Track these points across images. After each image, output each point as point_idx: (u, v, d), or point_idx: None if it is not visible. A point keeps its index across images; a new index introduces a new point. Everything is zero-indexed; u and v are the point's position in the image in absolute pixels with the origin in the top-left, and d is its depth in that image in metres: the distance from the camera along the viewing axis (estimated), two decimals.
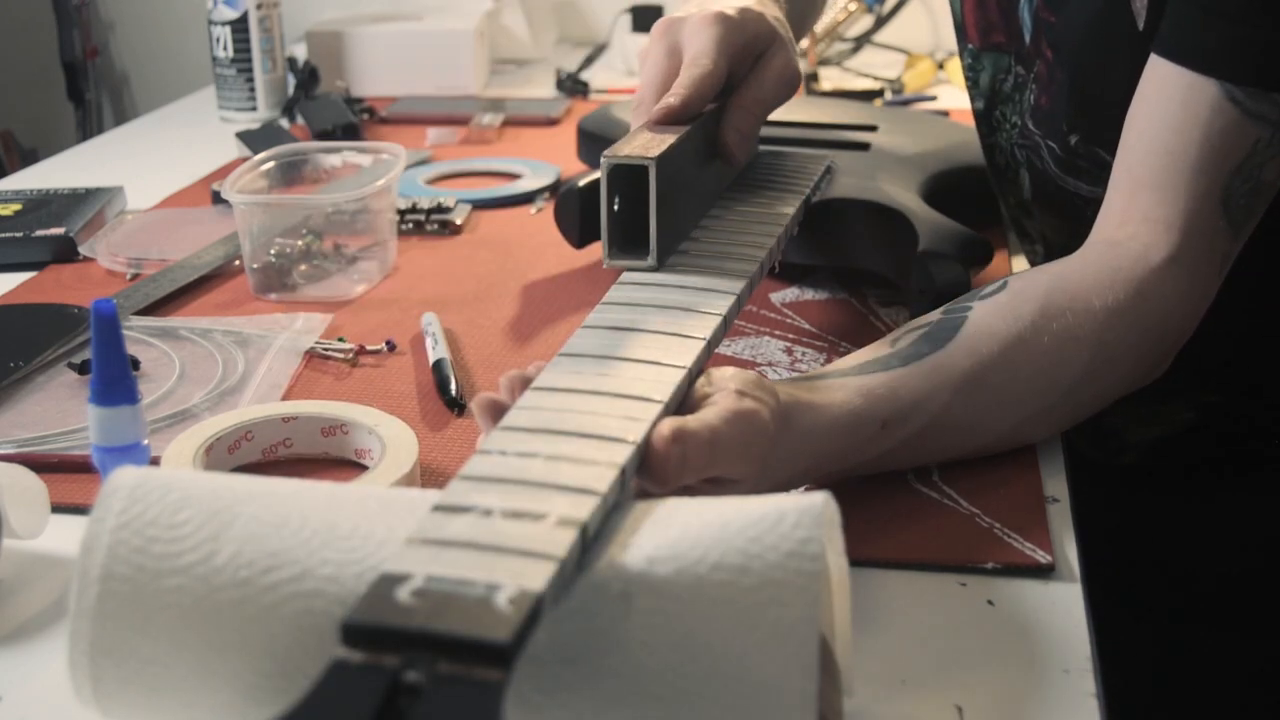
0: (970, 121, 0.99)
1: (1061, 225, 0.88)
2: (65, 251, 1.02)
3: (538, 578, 0.40)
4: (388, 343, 0.84)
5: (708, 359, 0.61)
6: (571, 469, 0.47)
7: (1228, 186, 0.70)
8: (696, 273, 0.68)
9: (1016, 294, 0.69)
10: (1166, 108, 0.70)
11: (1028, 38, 0.85)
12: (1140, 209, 0.71)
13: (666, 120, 0.74)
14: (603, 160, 0.68)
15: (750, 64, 0.80)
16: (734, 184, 0.82)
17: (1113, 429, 0.91)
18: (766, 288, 0.92)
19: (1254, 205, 0.71)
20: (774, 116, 1.10)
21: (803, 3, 1.00)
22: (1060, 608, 0.57)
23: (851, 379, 0.64)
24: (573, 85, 1.57)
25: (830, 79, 1.62)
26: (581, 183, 0.92)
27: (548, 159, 1.25)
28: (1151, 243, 0.70)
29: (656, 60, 0.79)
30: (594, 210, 0.92)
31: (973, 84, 0.93)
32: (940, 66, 1.65)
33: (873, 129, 1.05)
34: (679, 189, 0.71)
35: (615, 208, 0.69)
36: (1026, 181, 0.90)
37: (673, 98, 0.74)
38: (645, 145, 0.69)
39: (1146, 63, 0.72)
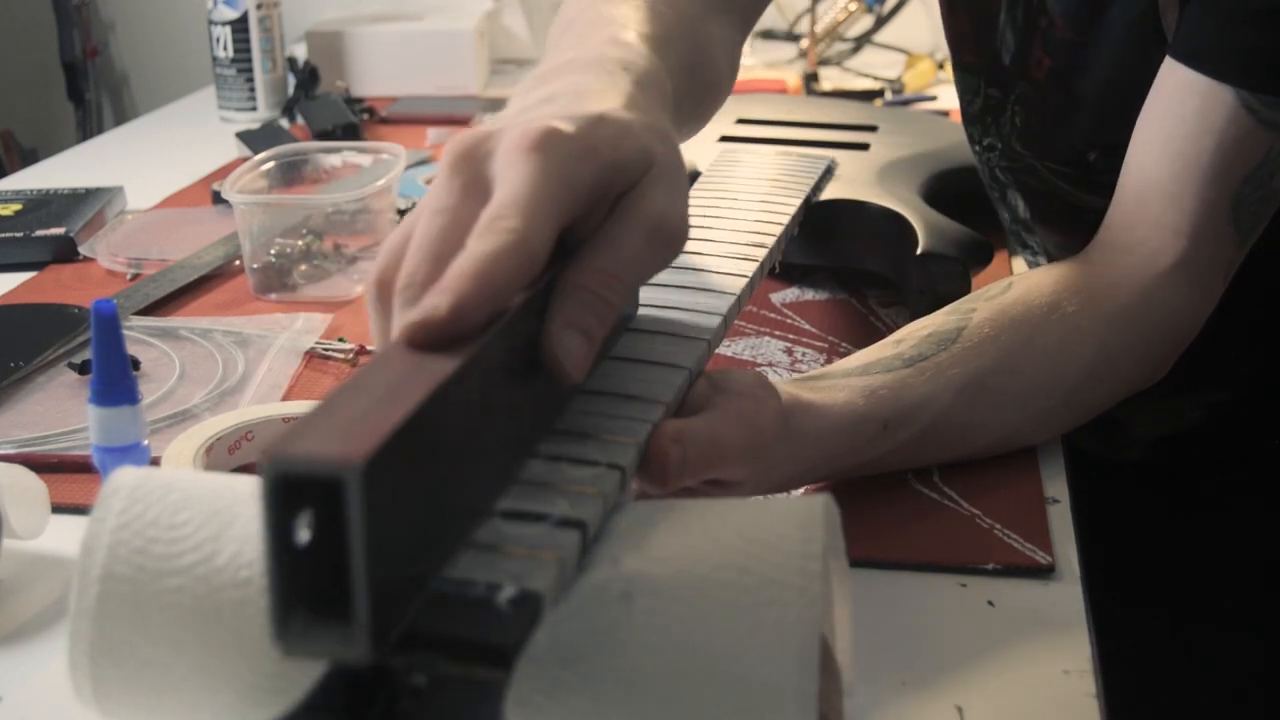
0: None
1: (1067, 242, 0.86)
2: (65, 251, 1.02)
3: (538, 578, 0.40)
4: None
5: (708, 359, 0.61)
6: (572, 469, 0.47)
7: (1238, 194, 0.69)
8: (693, 277, 0.68)
9: (1021, 296, 0.69)
10: (1181, 113, 0.70)
11: (1007, 58, 0.84)
12: (1149, 214, 0.71)
13: (427, 340, 0.41)
14: (265, 463, 0.34)
15: (607, 208, 0.50)
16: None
17: (1119, 424, 0.91)
18: (766, 288, 0.92)
19: (1262, 213, 0.71)
20: (774, 116, 1.11)
21: (697, 81, 0.70)
22: (1060, 608, 0.57)
23: (854, 379, 0.64)
24: None
25: (830, 79, 1.62)
26: None
27: None
28: (1159, 248, 0.70)
29: (444, 206, 0.47)
30: None
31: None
32: (940, 66, 1.65)
33: (873, 129, 1.05)
34: (438, 476, 0.39)
35: (303, 540, 0.35)
36: (1020, 202, 0.89)
37: (440, 299, 0.42)
38: (352, 424, 0.36)
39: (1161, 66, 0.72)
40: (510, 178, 0.46)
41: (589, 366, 0.48)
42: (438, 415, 0.38)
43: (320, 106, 1.40)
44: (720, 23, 0.75)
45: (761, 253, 0.71)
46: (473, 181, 0.48)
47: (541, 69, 0.58)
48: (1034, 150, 0.84)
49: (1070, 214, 0.85)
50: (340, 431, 0.35)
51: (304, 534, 0.35)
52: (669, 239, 0.50)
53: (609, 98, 0.52)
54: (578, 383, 0.48)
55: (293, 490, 0.35)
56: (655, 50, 0.60)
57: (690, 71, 0.67)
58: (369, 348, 0.83)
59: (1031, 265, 0.94)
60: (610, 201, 0.49)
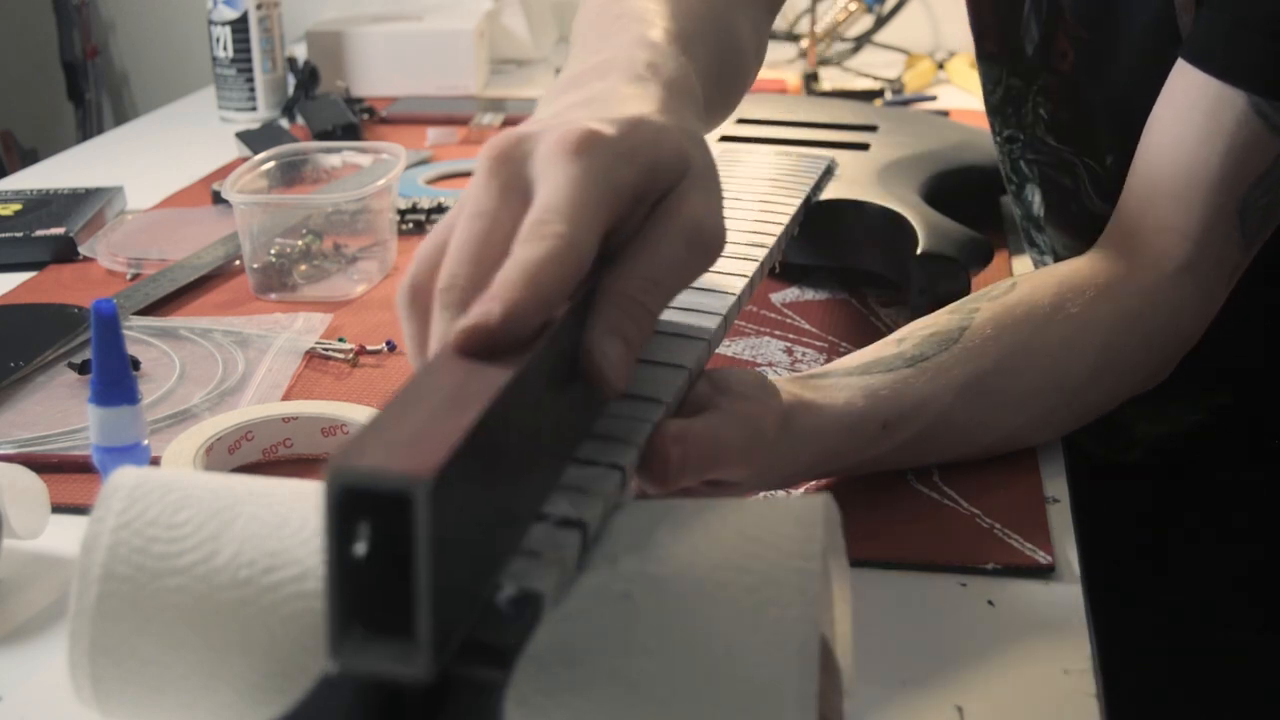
0: (969, 120, 0.98)
1: (1076, 244, 0.86)
2: (65, 251, 1.02)
3: (538, 578, 0.40)
4: (388, 343, 0.84)
5: (708, 359, 0.61)
6: (572, 468, 0.47)
7: (1246, 198, 0.69)
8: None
9: (1024, 296, 0.69)
10: (1191, 116, 0.69)
11: (1030, 49, 0.84)
12: (1155, 216, 0.71)
13: (479, 348, 0.41)
14: (328, 475, 0.33)
15: (645, 212, 0.49)
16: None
17: (1120, 425, 0.90)
18: (766, 288, 0.92)
19: (1270, 217, 0.71)
20: (774, 116, 1.11)
21: (725, 72, 0.69)
22: (1060, 608, 0.57)
23: (855, 379, 0.64)
24: None
25: (830, 79, 1.62)
26: None
27: None
28: (1164, 251, 0.70)
29: (484, 210, 0.46)
30: None
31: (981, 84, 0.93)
32: (940, 66, 1.65)
33: (873, 129, 1.05)
34: (497, 487, 0.38)
35: (360, 552, 0.34)
36: (1036, 198, 0.88)
37: (492, 306, 0.41)
38: (418, 436, 0.35)
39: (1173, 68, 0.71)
40: (553, 180, 0.45)
41: (630, 375, 0.47)
42: (498, 426, 0.37)
43: (320, 106, 1.40)
44: (746, 6, 0.74)
45: (761, 253, 0.71)
46: (512, 184, 0.46)
47: (571, 71, 0.56)
48: (1069, 145, 0.83)
49: (1084, 217, 0.84)
50: (404, 444, 0.34)
51: (360, 546, 0.34)
52: (708, 244, 0.49)
53: (643, 102, 0.51)
54: (619, 392, 0.47)
55: (355, 502, 0.33)
56: (683, 50, 0.59)
57: (718, 64, 0.66)
58: (369, 348, 0.83)
59: (1038, 264, 0.94)
60: (648, 206, 0.48)
